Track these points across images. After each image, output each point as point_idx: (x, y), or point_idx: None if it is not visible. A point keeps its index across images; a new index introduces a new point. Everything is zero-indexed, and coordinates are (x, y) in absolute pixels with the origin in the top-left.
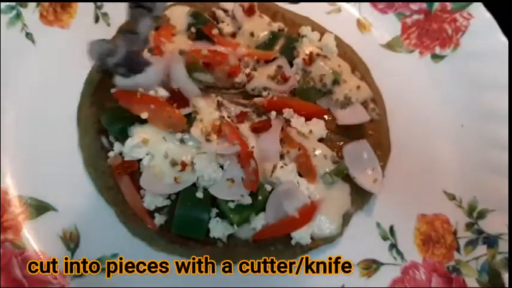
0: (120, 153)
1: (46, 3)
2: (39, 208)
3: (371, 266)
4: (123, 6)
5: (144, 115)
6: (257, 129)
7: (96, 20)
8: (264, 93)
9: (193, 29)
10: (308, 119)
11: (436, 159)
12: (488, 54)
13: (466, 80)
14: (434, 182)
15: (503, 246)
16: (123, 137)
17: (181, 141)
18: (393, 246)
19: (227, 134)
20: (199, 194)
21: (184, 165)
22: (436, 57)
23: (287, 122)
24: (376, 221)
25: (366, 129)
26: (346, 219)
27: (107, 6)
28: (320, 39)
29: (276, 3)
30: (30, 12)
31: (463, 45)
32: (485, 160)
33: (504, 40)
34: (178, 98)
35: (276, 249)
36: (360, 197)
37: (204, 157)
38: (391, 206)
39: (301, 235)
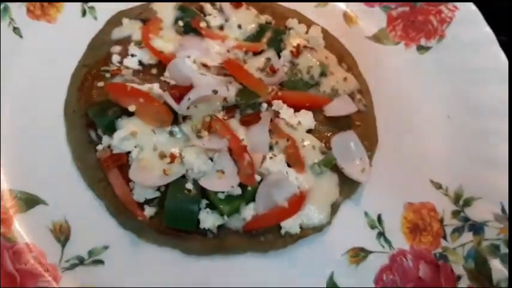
0: (109, 146)
1: None
2: (29, 202)
3: (359, 254)
4: (109, 1)
5: (131, 108)
6: (246, 122)
7: (83, 14)
8: None
9: (180, 23)
10: (296, 110)
11: (422, 149)
12: (473, 45)
13: (452, 71)
14: (421, 172)
15: (489, 233)
16: (111, 130)
17: (171, 133)
18: (381, 234)
19: (218, 129)
20: (189, 186)
21: (173, 157)
22: (421, 49)
23: (276, 113)
24: (364, 210)
25: (353, 120)
26: (334, 208)
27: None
28: (307, 32)
29: None
30: (17, 7)
31: (448, 36)
32: (471, 150)
33: (489, 31)
34: (183, 93)
35: (266, 239)
36: (348, 186)
37: (193, 150)
38: (379, 195)
39: (290, 224)
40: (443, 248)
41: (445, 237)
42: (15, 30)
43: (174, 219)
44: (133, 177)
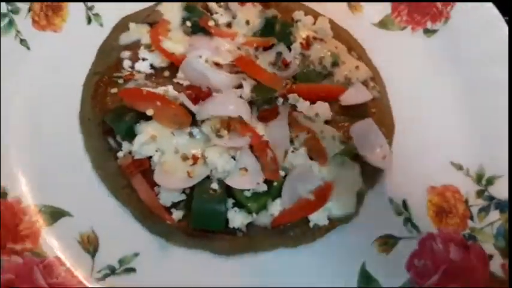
0: (129, 152)
1: (37, 8)
2: (54, 214)
3: (388, 242)
4: (114, 6)
5: (149, 112)
6: (265, 118)
7: (89, 21)
8: None
9: (188, 23)
10: (312, 102)
11: (439, 131)
12: (480, 25)
13: (460, 52)
14: (440, 154)
15: None
16: (130, 135)
17: (190, 134)
18: (408, 220)
19: (237, 127)
20: (214, 186)
21: (195, 158)
22: (428, 32)
23: (293, 107)
24: (389, 197)
25: (369, 107)
26: (360, 198)
27: (98, 7)
28: (314, 23)
29: None
30: (22, 19)
31: (453, 18)
32: (486, 128)
33: (494, 10)
34: (199, 94)
35: (295, 233)
36: (371, 175)
37: (215, 149)
38: (402, 181)
39: (318, 217)
40: (471, 228)
41: (471, 218)
42: (22, 42)
43: (202, 220)
44: (158, 181)
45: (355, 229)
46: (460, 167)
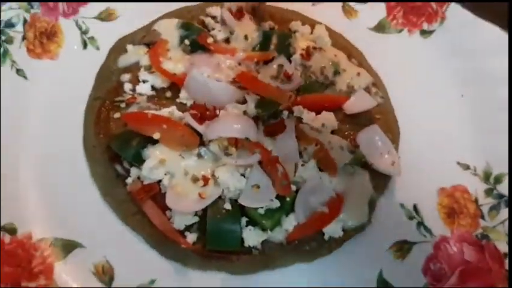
0: (138, 178)
1: (31, 36)
2: (66, 247)
3: (403, 247)
4: (109, 28)
5: (156, 136)
6: (271, 132)
7: (85, 45)
8: None
9: (186, 42)
10: (317, 113)
11: (443, 132)
12: (476, 22)
13: (458, 51)
14: (446, 155)
15: None
16: (138, 161)
17: (199, 155)
18: (420, 224)
19: (245, 145)
20: (227, 206)
21: (206, 179)
22: (425, 33)
23: (298, 119)
24: (400, 202)
25: (373, 114)
26: (371, 205)
27: (93, 30)
28: (311, 32)
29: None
30: (17, 48)
31: (449, 17)
32: (490, 125)
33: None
34: (204, 112)
35: (310, 247)
36: (380, 181)
37: (225, 169)
38: (411, 186)
39: (333, 229)
40: (483, 228)
41: (483, 217)
42: (19, 72)
43: (218, 241)
44: (171, 205)
45: (370, 237)
46: (467, 167)
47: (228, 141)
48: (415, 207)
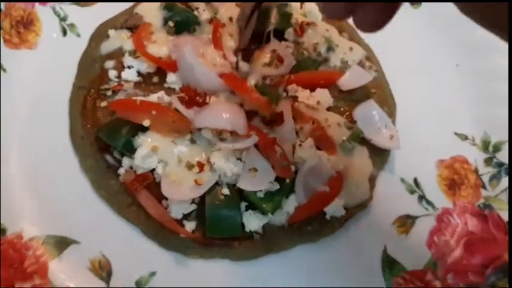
0: (131, 167)
1: (7, 26)
2: (59, 244)
3: (406, 222)
4: (89, 13)
5: (146, 123)
6: (270, 123)
7: (64, 33)
8: (267, 82)
9: (171, 23)
10: (312, 90)
11: (439, 103)
12: None
13: (449, 19)
14: (443, 126)
15: None
16: (129, 150)
17: (192, 141)
18: (422, 197)
19: None
20: (225, 191)
21: (201, 165)
22: (415, 3)
23: (294, 98)
24: (400, 176)
25: (368, 88)
26: (372, 181)
27: (72, 17)
28: (301, 7)
29: None
30: None
31: None
32: (485, 93)
33: None
34: (193, 97)
35: (313, 228)
36: (379, 157)
37: (220, 154)
38: (410, 159)
39: (334, 208)
40: (485, 197)
41: (484, 187)
42: None
43: (218, 228)
44: (167, 194)
45: (372, 214)
46: (465, 137)
47: None
48: (415, 181)
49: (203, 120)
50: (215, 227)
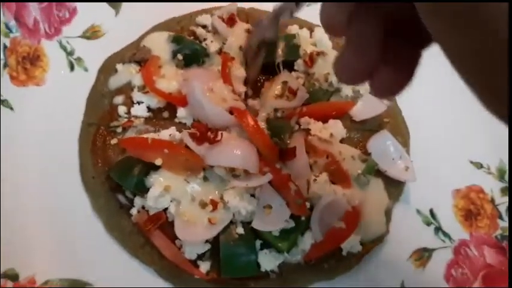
0: (143, 207)
1: (13, 62)
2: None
3: (423, 255)
4: (95, 47)
5: (158, 162)
6: (283, 159)
7: (71, 68)
8: (278, 114)
9: (179, 56)
10: (324, 121)
11: (453, 130)
12: None
13: None
14: (458, 155)
15: None
16: (141, 190)
17: (205, 178)
18: (438, 229)
19: None
20: (240, 230)
21: (215, 203)
22: None
23: (306, 131)
24: (415, 208)
25: (381, 117)
26: (387, 214)
27: (79, 50)
28: (310, 36)
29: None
30: None
31: None
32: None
33: None
34: (205, 133)
35: (329, 265)
36: (394, 188)
37: (234, 192)
38: (425, 190)
39: (351, 244)
40: (503, 228)
41: (501, 217)
42: (4, 102)
43: (233, 268)
44: (181, 235)
45: (389, 248)
46: (480, 165)
47: None
48: (431, 212)
49: (215, 159)
50: (230, 267)
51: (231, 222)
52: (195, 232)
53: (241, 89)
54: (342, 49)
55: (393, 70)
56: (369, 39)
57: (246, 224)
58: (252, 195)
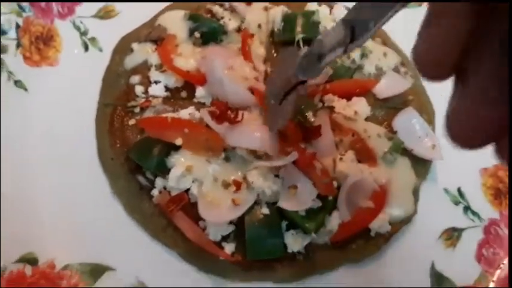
0: (164, 188)
1: (27, 43)
2: (94, 272)
3: (453, 235)
4: (109, 26)
5: (178, 141)
6: (308, 138)
7: (86, 48)
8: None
9: (197, 34)
10: (348, 99)
11: None
12: None
13: None
14: None
15: None
16: (162, 170)
17: (227, 159)
18: (467, 208)
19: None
20: (265, 210)
21: (238, 184)
22: None
23: (330, 109)
24: (443, 187)
25: (406, 95)
26: (415, 194)
27: (92, 30)
28: (330, 13)
29: None
30: (12, 57)
31: None
32: None
33: None
34: (225, 112)
35: (357, 246)
36: (421, 167)
37: (256, 172)
38: (452, 168)
39: (379, 224)
40: None
41: None
42: (17, 83)
43: (259, 251)
44: (205, 216)
45: (417, 228)
46: None
47: None
48: (459, 191)
49: (235, 139)
50: (256, 250)
51: (256, 203)
52: (219, 213)
53: (262, 67)
54: (452, 98)
55: None
56: (496, 83)
57: (271, 205)
58: (276, 176)
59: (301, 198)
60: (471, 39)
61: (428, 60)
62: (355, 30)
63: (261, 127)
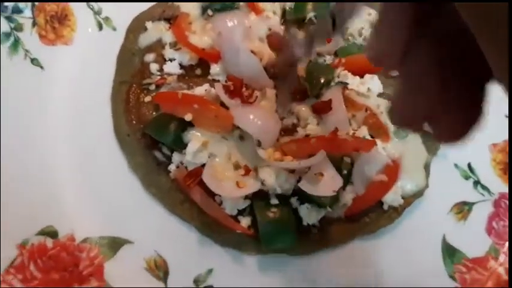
0: (181, 163)
1: (42, 21)
2: (112, 245)
3: (463, 208)
4: (123, 6)
5: (188, 117)
6: (318, 111)
7: (100, 27)
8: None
9: (210, 12)
10: (361, 76)
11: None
12: None
13: None
14: (494, 108)
15: None
16: (179, 145)
17: (241, 138)
18: (477, 183)
19: (294, 149)
20: (274, 201)
21: (247, 170)
22: None
23: (344, 85)
24: (453, 162)
25: None
26: (426, 169)
27: (106, 10)
28: None
29: None
30: (28, 35)
31: None
32: None
33: None
34: (239, 88)
35: (370, 219)
36: (432, 143)
37: (269, 170)
38: (462, 144)
39: (392, 197)
40: None
41: None
42: (34, 61)
43: (273, 246)
44: (206, 179)
45: (429, 202)
46: None
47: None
48: (469, 166)
49: (239, 119)
50: (269, 244)
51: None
52: (218, 185)
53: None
54: (396, 89)
55: (456, 110)
56: (429, 75)
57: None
58: (291, 171)
59: (325, 186)
60: (413, 34)
61: (377, 51)
62: (335, 22)
63: (267, 116)
